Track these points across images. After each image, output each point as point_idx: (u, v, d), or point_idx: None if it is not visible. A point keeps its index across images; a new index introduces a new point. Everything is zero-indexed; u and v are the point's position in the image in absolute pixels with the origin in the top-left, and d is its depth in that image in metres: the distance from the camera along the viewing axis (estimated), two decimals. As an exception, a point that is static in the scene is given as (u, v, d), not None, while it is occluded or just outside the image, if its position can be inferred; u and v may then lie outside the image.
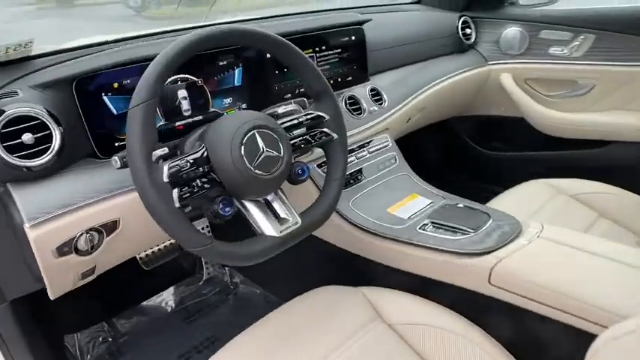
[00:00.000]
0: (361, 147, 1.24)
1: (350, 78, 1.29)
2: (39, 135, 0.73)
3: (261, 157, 0.73)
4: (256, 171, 0.72)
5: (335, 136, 0.86)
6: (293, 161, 0.84)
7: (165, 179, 0.66)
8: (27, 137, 0.72)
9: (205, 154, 0.73)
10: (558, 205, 1.28)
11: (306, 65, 0.83)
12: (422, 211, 1.09)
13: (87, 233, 0.79)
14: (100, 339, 1.30)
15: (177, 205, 0.66)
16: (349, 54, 1.27)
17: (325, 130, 0.85)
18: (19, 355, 0.95)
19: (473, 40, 1.74)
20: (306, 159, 1.11)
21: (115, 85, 0.85)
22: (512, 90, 1.72)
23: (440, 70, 1.61)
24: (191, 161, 0.71)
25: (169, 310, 1.47)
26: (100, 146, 0.85)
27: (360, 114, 1.24)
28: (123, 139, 0.88)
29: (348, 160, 1.19)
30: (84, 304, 1.29)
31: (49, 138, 0.75)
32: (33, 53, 0.92)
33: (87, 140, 0.83)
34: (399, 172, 1.28)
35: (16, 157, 0.71)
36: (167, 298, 1.48)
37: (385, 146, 1.30)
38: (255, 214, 0.78)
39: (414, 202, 1.14)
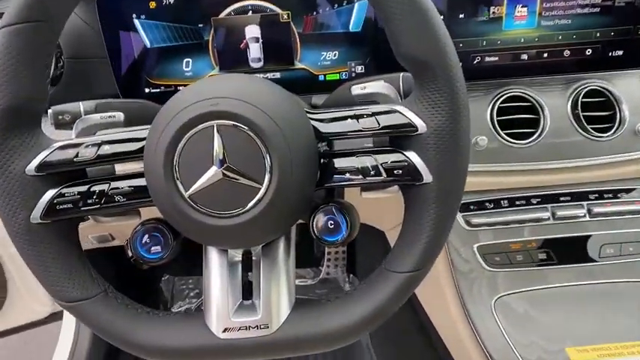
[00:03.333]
0: (577, 198, 0.61)
1: (620, 52, 0.63)
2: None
3: (210, 179, 0.34)
4: (194, 204, 0.34)
5: (426, 177, 0.35)
6: (320, 204, 0.40)
7: (31, 169, 0.36)
8: None
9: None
10: None
11: None
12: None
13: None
14: (195, 292, 1.22)
15: (35, 218, 0.36)
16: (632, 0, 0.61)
17: (409, 157, 0.35)
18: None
19: None
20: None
21: (153, 3, 0.57)
22: None
23: None
24: (108, 149, 0.38)
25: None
26: (127, 90, 0.61)
27: (607, 130, 0.60)
28: (156, 84, 0.62)
29: (534, 217, 0.61)
30: (192, 253, 1.22)
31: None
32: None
33: (111, 79, 0.60)
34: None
35: None
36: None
37: (646, 210, 0.61)
38: (213, 270, 0.41)
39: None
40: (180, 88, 0.61)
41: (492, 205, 0.60)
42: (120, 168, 0.41)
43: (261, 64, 0.61)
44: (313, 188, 0.38)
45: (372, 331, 1.10)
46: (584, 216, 0.60)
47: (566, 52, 0.63)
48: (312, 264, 1.32)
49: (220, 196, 0.34)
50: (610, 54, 0.63)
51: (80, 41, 0.57)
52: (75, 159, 0.37)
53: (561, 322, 0.55)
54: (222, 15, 0.58)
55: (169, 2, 0.57)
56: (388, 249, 0.42)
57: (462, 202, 0.61)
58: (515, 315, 0.56)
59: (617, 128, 0.60)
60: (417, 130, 0.35)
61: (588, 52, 0.63)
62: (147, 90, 0.61)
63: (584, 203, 0.60)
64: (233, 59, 0.60)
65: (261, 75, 0.61)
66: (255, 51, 0.60)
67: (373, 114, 0.36)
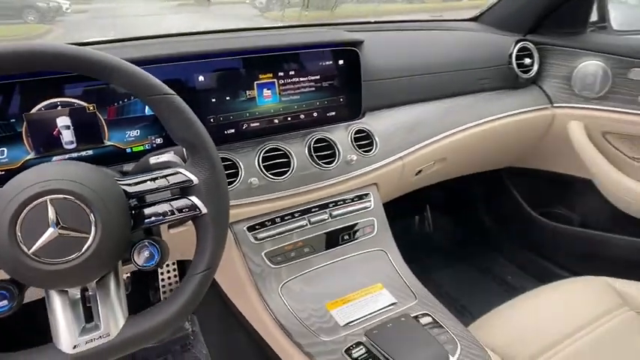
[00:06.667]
0: (322, 207, 0.94)
1: (332, 113, 1.00)
2: None
3: (48, 238, 0.49)
4: (37, 258, 0.48)
5: (203, 210, 0.58)
6: (136, 240, 0.58)
7: None
8: None
9: None
10: (617, 326, 0.85)
11: (162, 99, 0.56)
12: (368, 317, 0.76)
13: None
14: None
15: None
16: (333, 82, 0.98)
17: (192, 199, 0.58)
18: None
19: (534, 73, 1.31)
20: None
21: None
22: (581, 145, 1.27)
23: (477, 110, 1.23)
24: None
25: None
26: None
27: (331, 163, 0.94)
28: None
29: (298, 225, 0.90)
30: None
31: None
32: None
33: None
34: (372, 247, 0.95)
35: None
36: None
37: (362, 209, 0.98)
38: (57, 309, 0.54)
39: (372, 297, 0.82)
40: (-3, 173, 0.72)
41: (270, 223, 0.88)
42: None
43: (74, 145, 0.75)
44: (129, 232, 0.56)
45: (205, 327, 1.26)
46: (328, 218, 0.93)
47: (302, 116, 0.97)
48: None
49: (58, 248, 0.48)
50: (327, 114, 0.99)
51: None
52: None
53: (322, 290, 0.85)
54: (33, 110, 0.71)
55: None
56: None
57: (249, 224, 0.87)
58: (294, 293, 0.83)
59: (337, 161, 0.95)
60: (193, 183, 0.58)
61: (315, 114, 0.98)
62: None
63: (327, 210, 0.94)
64: (48, 144, 0.73)
65: (76, 154, 0.76)
66: (67, 136, 0.75)
67: (164, 176, 0.58)
